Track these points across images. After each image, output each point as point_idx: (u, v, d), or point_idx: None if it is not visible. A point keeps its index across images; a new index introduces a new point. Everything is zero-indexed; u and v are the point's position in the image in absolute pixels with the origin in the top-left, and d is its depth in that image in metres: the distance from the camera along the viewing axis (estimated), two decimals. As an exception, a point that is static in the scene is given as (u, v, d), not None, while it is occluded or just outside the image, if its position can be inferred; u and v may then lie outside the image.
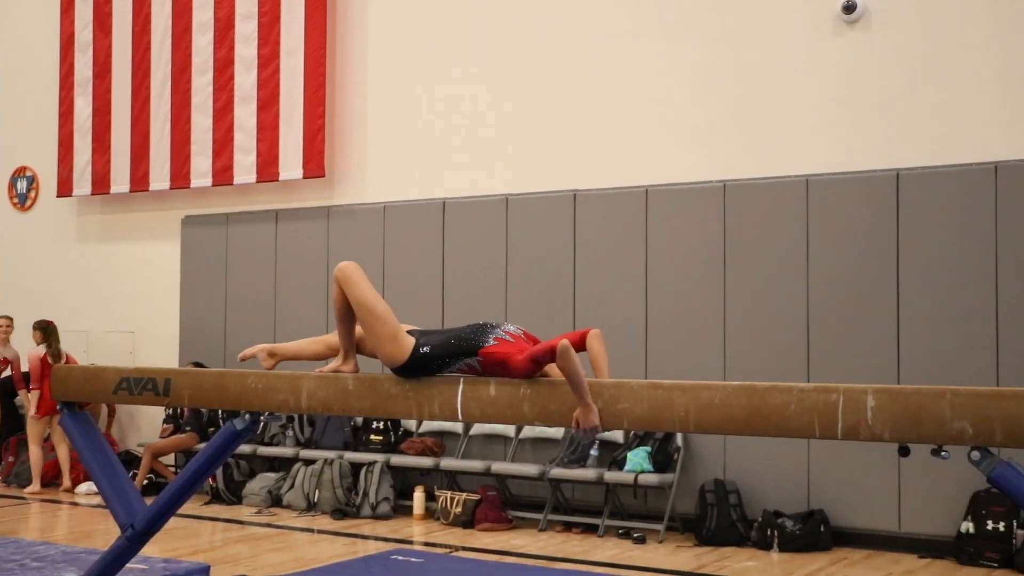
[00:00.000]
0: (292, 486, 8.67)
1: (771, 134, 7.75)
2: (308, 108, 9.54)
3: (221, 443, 4.47)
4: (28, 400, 9.79)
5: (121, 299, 10.73)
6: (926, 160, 7.18)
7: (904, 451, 3.40)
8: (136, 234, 10.77)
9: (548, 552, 7.03)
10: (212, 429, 9.31)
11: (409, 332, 4.05)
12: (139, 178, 10.51)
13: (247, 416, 4.37)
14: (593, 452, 7.87)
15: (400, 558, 6.71)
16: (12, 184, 11.69)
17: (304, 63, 9.58)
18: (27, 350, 9.87)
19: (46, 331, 9.66)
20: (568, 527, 7.79)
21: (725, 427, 3.57)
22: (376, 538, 7.50)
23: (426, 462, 8.38)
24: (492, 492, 7.95)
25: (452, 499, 7.96)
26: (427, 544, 7.36)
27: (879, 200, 7.23)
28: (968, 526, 6.70)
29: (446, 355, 3.96)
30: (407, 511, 8.35)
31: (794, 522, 7.08)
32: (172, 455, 9.72)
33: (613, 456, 7.84)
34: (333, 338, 4.36)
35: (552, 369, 3.88)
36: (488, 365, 3.91)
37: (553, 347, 3.66)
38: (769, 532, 7.09)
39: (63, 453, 9.56)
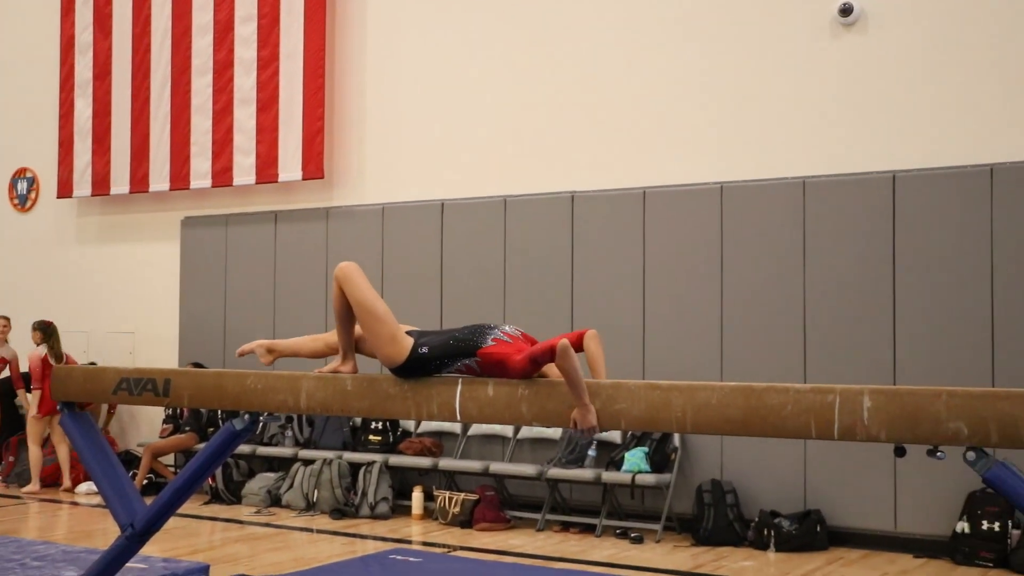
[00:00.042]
0: (291, 486, 8.69)
1: (768, 136, 7.78)
2: (307, 110, 9.57)
3: (220, 443, 4.49)
4: (27, 400, 9.82)
5: (121, 300, 10.76)
6: (922, 162, 7.21)
7: (900, 451, 3.42)
8: (136, 235, 10.80)
9: (546, 552, 7.06)
10: (211, 429, 9.34)
11: (408, 332, 4.06)
12: (139, 179, 10.54)
13: (246, 416, 4.39)
14: (591, 452, 7.89)
15: (398, 558, 6.73)
16: (12, 185, 11.72)
17: (303, 65, 9.61)
18: (25, 350, 9.90)
19: (46, 331, 9.69)
20: (566, 527, 7.81)
21: (722, 427, 3.58)
22: (375, 538, 7.52)
23: (424, 462, 8.40)
24: (490, 492, 7.97)
25: (450, 499, 7.98)
26: (425, 544, 7.39)
27: (875, 202, 7.26)
28: (963, 526, 6.73)
29: (445, 356, 3.97)
30: (405, 511, 8.38)
31: (790, 522, 7.11)
32: (172, 455, 9.75)
33: (611, 456, 7.88)
34: (332, 336, 4.37)
35: (550, 370, 3.90)
36: (486, 366, 3.93)
37: (553, 346, 3.68)
38: (766, 532, 7.12)
39: (63, 453, 9.59)
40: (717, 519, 7.30)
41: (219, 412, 9.27)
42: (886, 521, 7.10)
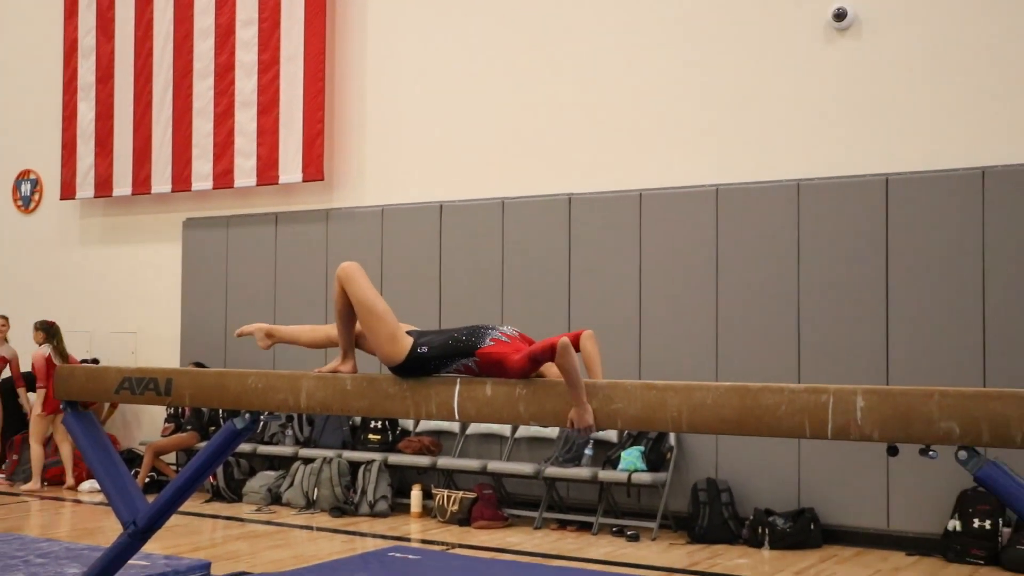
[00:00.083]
0: (291, 484, 8.75)
1: (763, 139, 7.85)
2: (307, 113, 9.63)
3: (221, 442, 4.53)
4: (26, 399, 9.87)
5: (123, 300, 10.82)
6: (915, 165, 7.28)
7: (893, 451, 3.45)
8: (138, 236, 10.86)
9: (543, 549, 7.10)
10: (213, 428, 9.39)
11: (408, 332, 4.10)
12: (141, 181, 10.61)
13: (247, 415, 4.42)
14: (587, 451, 7.94)
15: (397, 555, 6.75)
16: (16, 187, 11.79)
17: (303, 69, 9.66)
18: (26, 350, 9.95)
19: (48, 331, 9.74)
20: (563, 525, 7.87)
21: (717, 427, 3.61)
22: (374, 535, 7.56)
23: (423, 461, 8.46)
24: (488, 490, 8.02)
25: (449, 497, 8.04)
26: (424, 541, 7.43)
27: (869, 204, 7.33)
28: (955, 524, 6.79)
29: (444, 355, 4.01)
30: (404, 509, 8.43)
31: (785, 520, 7.17)
32: (173, 453, 9.81)
33: (607, 455, 7.94)
34: (333, 329, 4.37)
35: (547, 370, 3.94)
36: (485, 366, 3.97)
37: (553, 345, 3.71)
38: (760, 530, 7.18)
39: (66, 451, 9.64)
40: (712, 517, 7.37)
41: (220, 411, 9.32)
42: (879, 519, 7.16)
